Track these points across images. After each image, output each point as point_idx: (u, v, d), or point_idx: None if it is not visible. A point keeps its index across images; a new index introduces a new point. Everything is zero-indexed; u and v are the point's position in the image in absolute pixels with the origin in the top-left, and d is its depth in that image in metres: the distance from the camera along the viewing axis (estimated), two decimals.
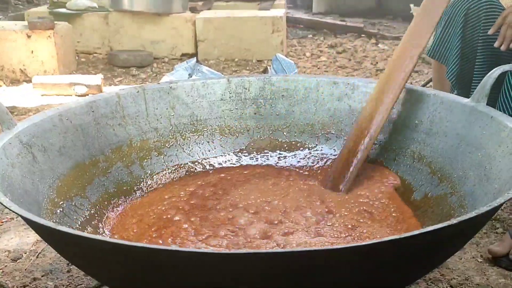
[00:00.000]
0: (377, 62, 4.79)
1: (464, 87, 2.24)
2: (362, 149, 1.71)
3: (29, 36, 4.15)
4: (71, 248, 1.11)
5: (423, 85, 3.47)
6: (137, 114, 1.80)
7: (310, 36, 6.17)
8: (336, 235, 1.47)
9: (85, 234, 0.98)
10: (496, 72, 1.57)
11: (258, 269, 0.94)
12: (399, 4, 7.47)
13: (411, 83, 4.16)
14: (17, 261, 1.74)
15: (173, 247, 0.99)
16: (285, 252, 0.97)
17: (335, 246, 0.90)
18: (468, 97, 2.18)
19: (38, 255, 1.75)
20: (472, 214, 0.96)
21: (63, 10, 4.97)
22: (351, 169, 1.73)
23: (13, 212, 1.07)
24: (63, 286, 1.59)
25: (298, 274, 0.96)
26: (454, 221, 0.92)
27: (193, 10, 5.22)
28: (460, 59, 2.22)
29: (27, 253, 1.77)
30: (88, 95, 3.85)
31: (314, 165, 1.90)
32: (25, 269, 1.69)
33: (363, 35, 6.14)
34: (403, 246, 0.93)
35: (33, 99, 3.76)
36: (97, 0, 5.10)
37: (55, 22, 4.28)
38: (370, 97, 1.79)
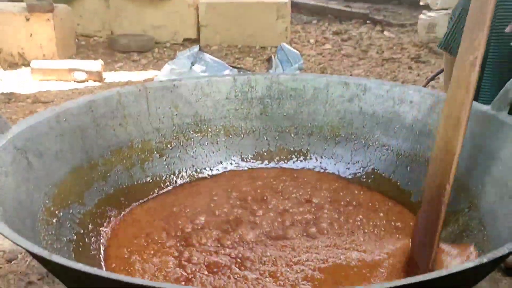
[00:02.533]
0: (383, 51, 4.70)
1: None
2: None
3: (27, 19, 4.05)
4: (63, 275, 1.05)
5: (432, 78, 3.38)
6: (138, 113, 1.72)
7: (315, 21, 6.06)
8: None
9: (76, 265, 0.90)
10: None
11: None
12: None
13: (418, 75, 4.09)
14: (12, 262, 1.69)
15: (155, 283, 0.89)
16: None
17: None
18: (479, 93, 2.10)
19: None
20: (504, 250, 0.87)
21: None
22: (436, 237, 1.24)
23: (4, 236, 1.00)
24: None
25: None
26: (484, 259, 0.84)
27: None
28: None
29: (23, 253, 1.71)
30: (87, 81, 3.76)
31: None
32: (20, 272, 1.63)
33: (368, 22, 6.03)
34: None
35: (32, 84, 3.67)
36: None
37: (54, 4, 4.18)
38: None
